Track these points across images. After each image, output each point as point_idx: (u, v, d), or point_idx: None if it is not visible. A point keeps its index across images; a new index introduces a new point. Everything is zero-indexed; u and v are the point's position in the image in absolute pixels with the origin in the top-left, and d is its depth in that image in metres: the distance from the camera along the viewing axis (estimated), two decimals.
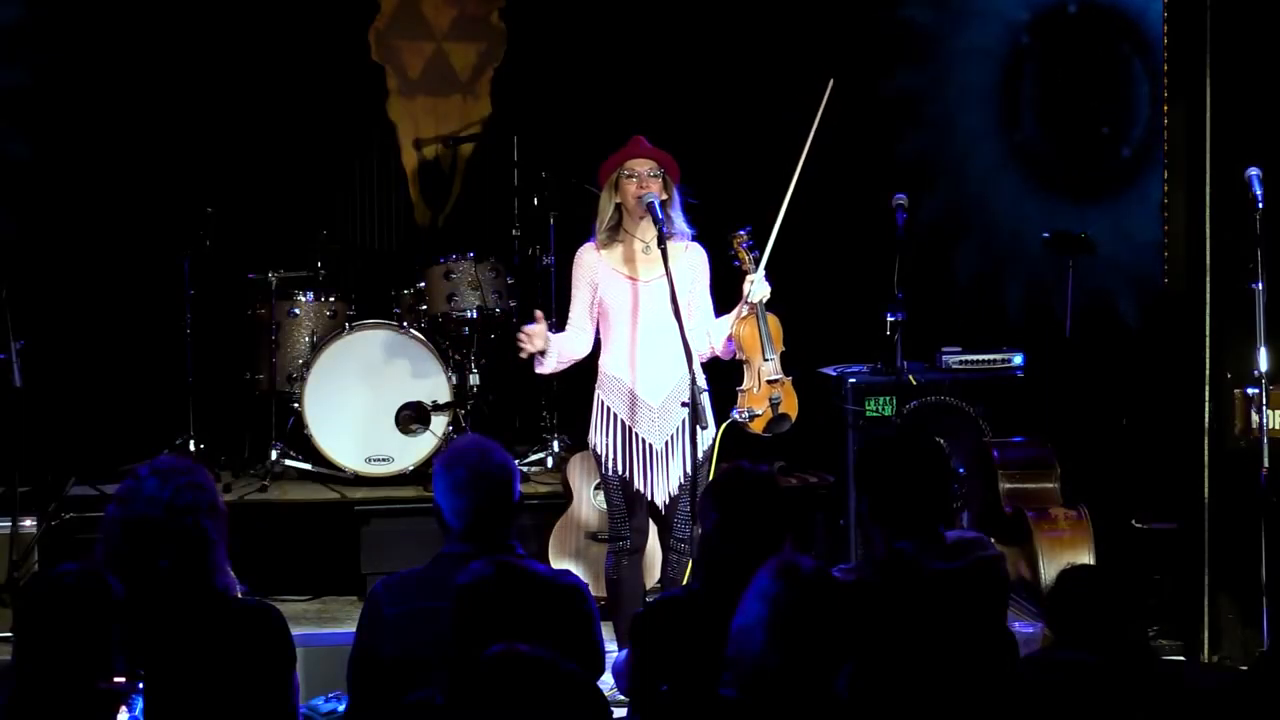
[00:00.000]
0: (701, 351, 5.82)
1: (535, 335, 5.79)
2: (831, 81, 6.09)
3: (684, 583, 5.63)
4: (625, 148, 5.80)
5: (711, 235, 5.96)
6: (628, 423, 5.78)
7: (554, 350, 5.82)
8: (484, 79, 8.88)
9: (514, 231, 8.33)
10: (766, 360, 5.84)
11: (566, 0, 8.71)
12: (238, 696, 3.70)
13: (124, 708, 3.51)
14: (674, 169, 5.80)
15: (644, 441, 5.77)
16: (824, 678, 3.21)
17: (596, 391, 5.86)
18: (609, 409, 5.81)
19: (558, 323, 7.94)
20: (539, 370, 5.90)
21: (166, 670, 3.60)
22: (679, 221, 5.81)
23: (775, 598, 3.22)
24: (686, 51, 8.58)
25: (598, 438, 5.83)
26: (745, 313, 5.82)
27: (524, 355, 5.84)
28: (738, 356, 5.88)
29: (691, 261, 5.84)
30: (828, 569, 3.35)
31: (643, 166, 5.75)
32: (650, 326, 5.76)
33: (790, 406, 5.92)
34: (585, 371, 6.00)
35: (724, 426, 5.81)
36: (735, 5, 8.61)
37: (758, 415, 5.86)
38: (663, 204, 5.74)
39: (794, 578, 3.25)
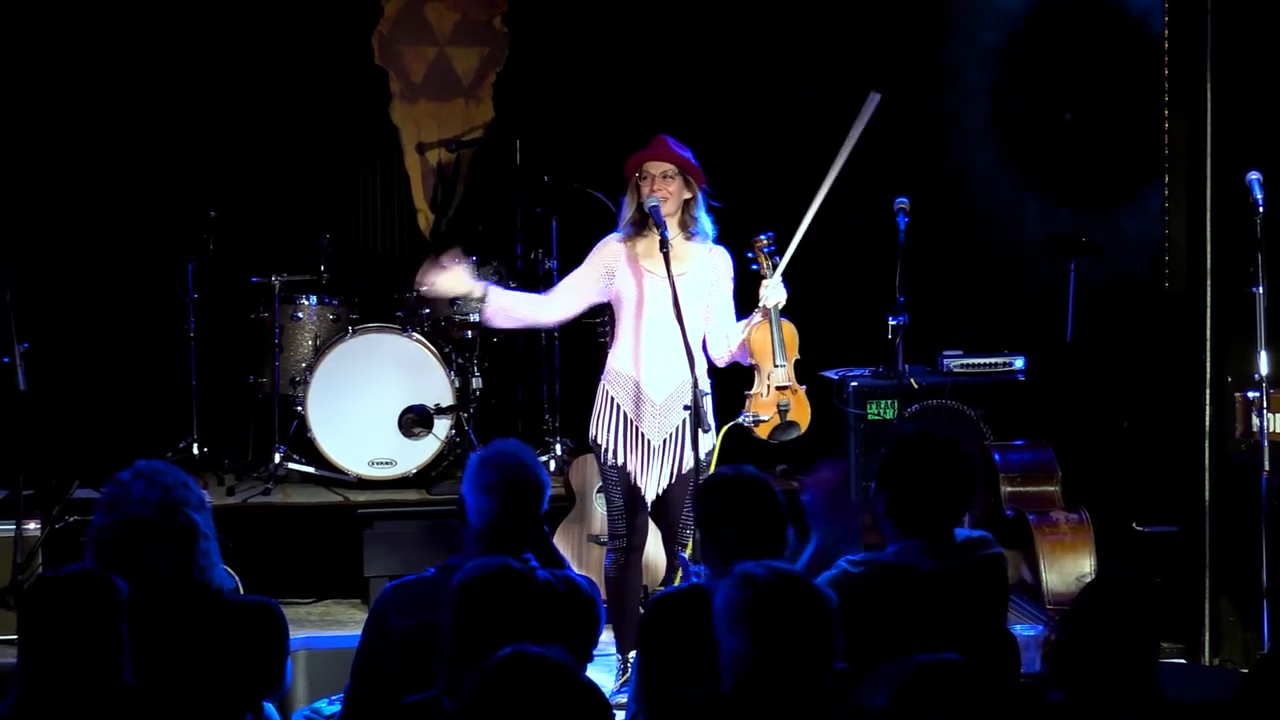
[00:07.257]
0: (720, 355, 5.80)
1: (434, 271, 5.79)
2: (877, 95, 5.94)
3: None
4: (647, 148, 5.75)
5: (724, 239, 5.91)
6: (630, 416, 5.76)
7: (505, 304, 5.82)
8: (486, 83, 8.90)
9: (516, 235, 8.35)
10: (777, 366, 5.78)
11: (569, 4, 8.73)
12: (232, 690, 3.71)
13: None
14: (695, 170, 5.74)
15: (643, 436, 5.75)
16: (802, 677, 3.24)
17: (603, 383, 5.83)
18: (614, 400, 5.78)
19: None
20: (484, 320, 5.90)
21: (163, 667, 3.60)
22: (704, 222, 5.77)
23: (727, 602, 3.30)
24: (687, 52, 8.57)
25: (599, 429, 5.80)
26: (759, 318, 5.78)
27: (421, 287, 5.89)
28: (750, 361, 5.83)
29: (714, 263, 5.81)
30: (791, 573, 3.35)
31: (657, 169, 5.70)
32: (660, 324, 5.71)
33: (800, 415, 5.85)
34: (586, 374, 6.00)
35: (724, 430, 5.77)
36: (734, 4, 8.62)
37: (763, 421, 5.79)
38: (686, 204, 5.73)
39: (747, 582, 3.30)
